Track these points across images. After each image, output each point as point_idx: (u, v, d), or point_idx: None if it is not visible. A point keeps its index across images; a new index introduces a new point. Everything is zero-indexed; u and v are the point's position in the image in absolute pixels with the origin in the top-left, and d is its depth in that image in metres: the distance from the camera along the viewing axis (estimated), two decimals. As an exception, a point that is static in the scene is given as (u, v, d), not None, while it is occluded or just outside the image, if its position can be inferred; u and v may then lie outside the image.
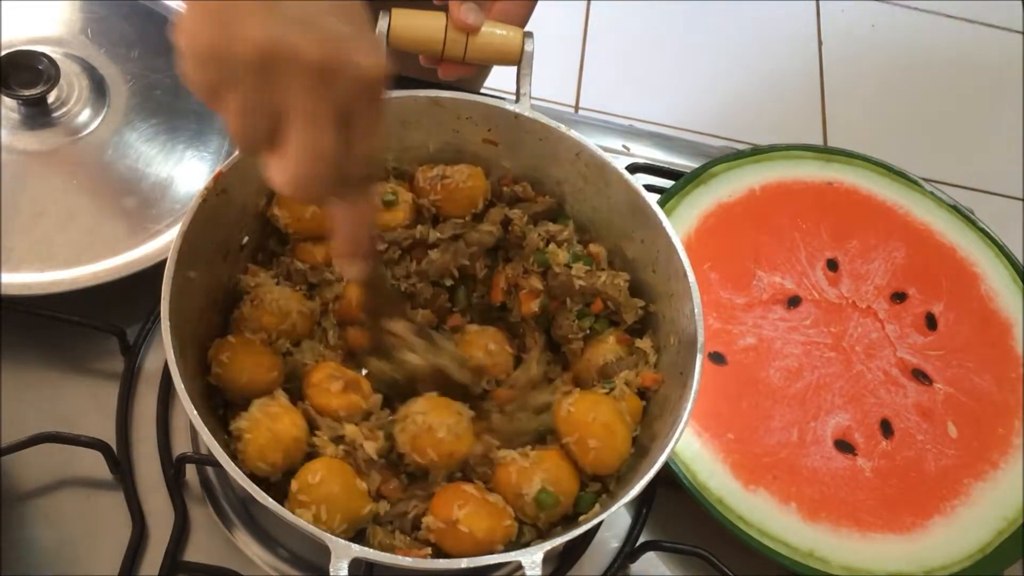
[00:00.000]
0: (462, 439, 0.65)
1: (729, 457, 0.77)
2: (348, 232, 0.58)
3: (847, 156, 0.98)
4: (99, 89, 0.84)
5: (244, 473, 0.63)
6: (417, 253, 0.75)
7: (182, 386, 0.59)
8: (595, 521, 0.61)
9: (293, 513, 0.58)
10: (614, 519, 0.77)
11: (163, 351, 0.61)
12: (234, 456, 0.63)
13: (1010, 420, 0.83)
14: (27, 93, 0.79)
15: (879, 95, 2.33)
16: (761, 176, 0.94)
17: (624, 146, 0.99)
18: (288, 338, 0.70)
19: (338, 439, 0.65)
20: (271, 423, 0.63)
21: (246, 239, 0.73)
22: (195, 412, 0.58)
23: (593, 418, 0.66)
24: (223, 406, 0.68)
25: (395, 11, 0.74)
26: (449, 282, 0.75)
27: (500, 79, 1.26)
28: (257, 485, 0.58)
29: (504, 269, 0.76)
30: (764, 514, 0.75)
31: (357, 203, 0.57)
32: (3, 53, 0.80)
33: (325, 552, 0.56)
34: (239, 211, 0.71)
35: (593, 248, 0.76)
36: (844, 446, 0.80)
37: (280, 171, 0.50)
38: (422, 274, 0.74)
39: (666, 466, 0.63)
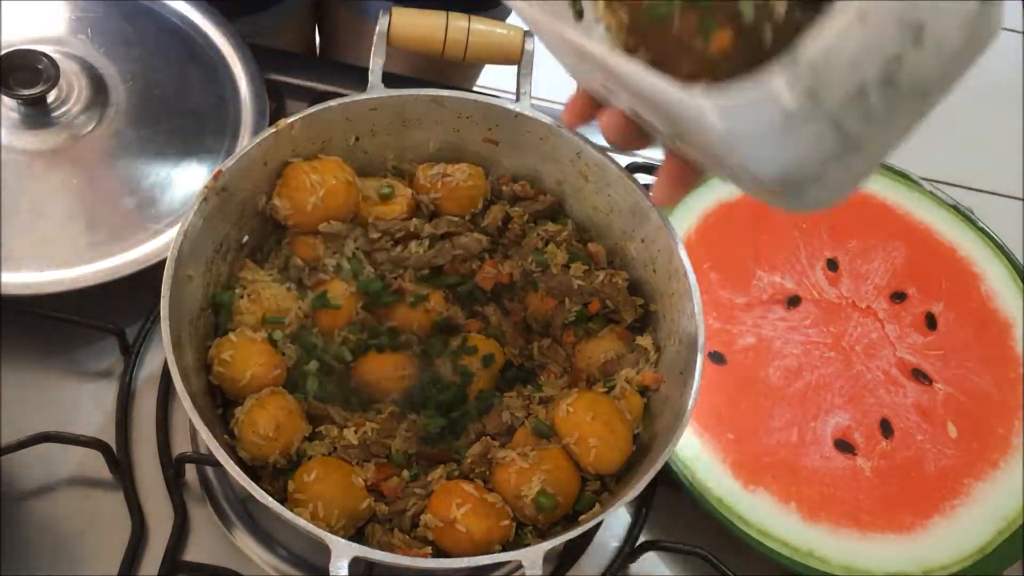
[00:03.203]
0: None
1: (729, 457, 0.77)
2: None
3: (847, 156, 0.97)
4: (99, 89, 0.84)
5: (243, 458, 0.64)
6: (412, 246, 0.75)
7: (182, 386, 0.59)
8: (595, 521, 0.61)
9: (292, 512, 0.58)
10: (614, 519, 0.77)
11: (163, 351, 0.61)
12: (234, 455, 0.64)
13: (1010, 420, 0.83)
14: (27, 93, 0.79)
15: (879, 95, 2.33)
16: (761, 176, 0.94)
17: (624, 146, 0.98)
18: (283, 334, 0.70)
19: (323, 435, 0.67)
20: (261, 400, 0.65)
21: (246, 238, 0.73)
22: (195, 412, 0.59)
23: (592, 417, 0.66)
24: (223, 406, 0.68)
25: (395, 10, 0.74)
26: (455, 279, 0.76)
27: (500, 78, 1.27)
28: (256, 481, 0.58)
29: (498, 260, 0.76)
30: (764, 514, 0.75)
31: None
32: (3, 53, 0.80)
33: (325, 552, 0.56)
34: (239, 210, 0.71)
35: (592, 247, 0.76)
36: (844, 446, 0.80)
37: None
38: (400, 263, 0.74)
39: (666, 466, 0.63)
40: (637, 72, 0.43)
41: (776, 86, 0.39)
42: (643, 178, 0.91)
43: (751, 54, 0.46)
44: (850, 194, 0.45)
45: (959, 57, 0.41)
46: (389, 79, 0.73)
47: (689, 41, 0.46)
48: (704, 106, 0.40)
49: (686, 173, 0.50)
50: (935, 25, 0.39)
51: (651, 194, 0.53)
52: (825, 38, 0.38)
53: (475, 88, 1.22)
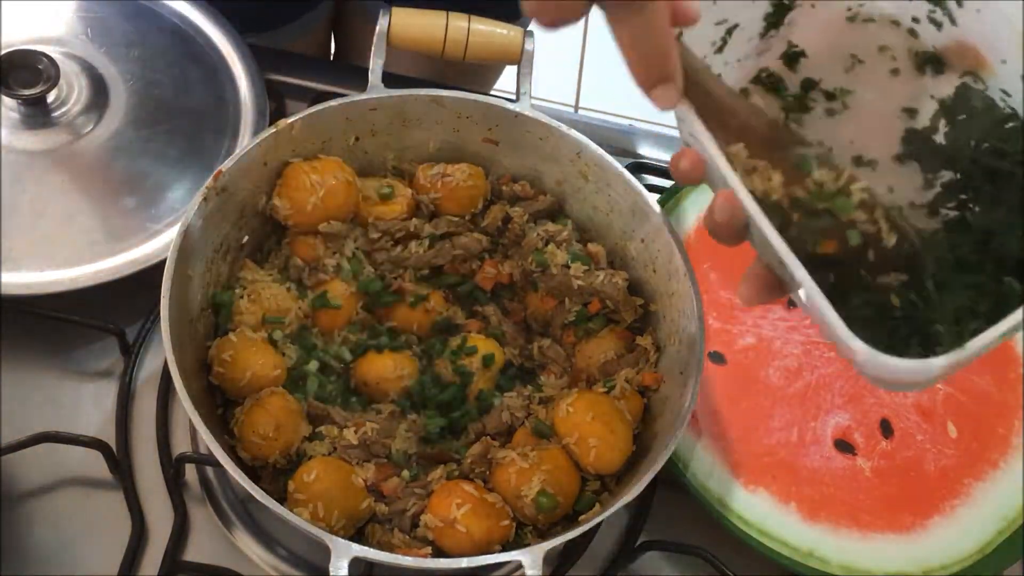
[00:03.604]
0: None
1: (729, 457, 0.77)
2: (637, 52, 0.49)
3: (847, 156, 0.97)
4: (99, 89, 0.84)
5: (243, 458, 0.64)
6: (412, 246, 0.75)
7: (182, 386, 0.59)
8: (595, 521, 0.61)
9: (291, 512, 0.58)
10: (614, 519, 0.77)
11: (163, 351, 0.61)
12: (234, 455, 0.64)
13: (1010, 420, 0.83)
14: (27, 93, 0.79)
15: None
16: (761, 176, 0.94)
17: (624, 146, 0.98)
18: (283, 334, 0.70)
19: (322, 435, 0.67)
20: (261, 400, 0.65)
21: (246, 238, 0.73)
22: (195, 412, 0.59)
23: (592, 417, 0.66)
24: (223, 406, 0.68)
25: (395, 10, 0.74)
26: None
27: (500, 78, 1.26)
28: (256, 481, 0.58)
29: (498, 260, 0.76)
30: (764, 514, 0.75)
31: (635, 13, 0.47)
32: (3, 53, 0.80)
33: (325, 552, 0.56)
34: (239, 209, 0.71)
35: (592, 247, 0.76)
36: (844, 446, 0.80)
37: None
38: (400, 263, 0.74)
39: (666, 466, 0.63)
40: (810, 287, 0.47)
41: (935, 367, 0.45)
42: (643, 178, 0.91)
43: (849, 265, 0.52)
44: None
45: None
46: (389, 79, 0.73)
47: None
48: (858, 351, 0.45)
49: (777, 287, 0.53)
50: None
51: (739, 293, 0.55)
52: (991, 335, 0.45)
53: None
